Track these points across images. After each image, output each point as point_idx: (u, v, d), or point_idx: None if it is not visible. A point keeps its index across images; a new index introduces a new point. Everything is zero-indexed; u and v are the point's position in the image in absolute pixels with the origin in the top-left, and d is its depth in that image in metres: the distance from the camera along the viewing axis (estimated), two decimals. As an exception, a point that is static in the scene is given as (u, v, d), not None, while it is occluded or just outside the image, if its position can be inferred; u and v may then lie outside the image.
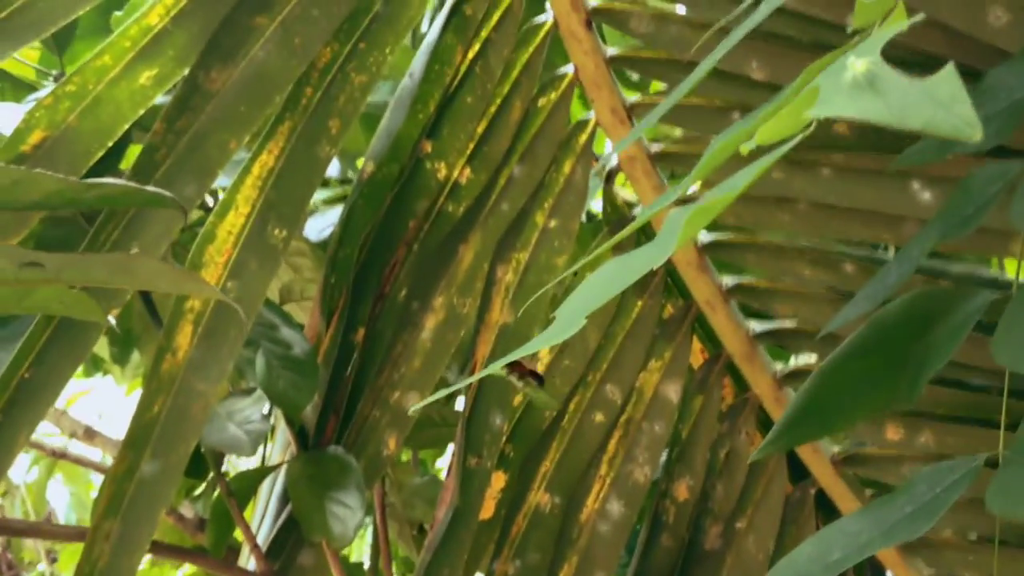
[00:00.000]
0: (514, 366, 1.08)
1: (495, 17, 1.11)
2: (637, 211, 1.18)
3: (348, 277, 1.14)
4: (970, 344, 0.89)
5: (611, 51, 1.08)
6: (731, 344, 1.15)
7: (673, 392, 1.18)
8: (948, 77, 0.32)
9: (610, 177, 1.18)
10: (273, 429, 1.32)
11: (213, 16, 0.98)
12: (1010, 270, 1.27)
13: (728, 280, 1.14)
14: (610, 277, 0.41)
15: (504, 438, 1.17)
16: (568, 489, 1.18)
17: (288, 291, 1.32)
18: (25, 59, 1.47)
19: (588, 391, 1.18)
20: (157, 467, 0.98)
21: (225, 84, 0.98)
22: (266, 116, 1.02)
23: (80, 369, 2.22)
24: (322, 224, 1.44)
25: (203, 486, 1.61)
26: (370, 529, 1.84)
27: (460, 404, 1.48)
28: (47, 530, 1.19)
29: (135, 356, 1.59)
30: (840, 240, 1.08)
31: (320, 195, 1.52)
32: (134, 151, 1.00)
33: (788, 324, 1.13)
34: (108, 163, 0.99)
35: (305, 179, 1.04)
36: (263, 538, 1.16)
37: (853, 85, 0.32)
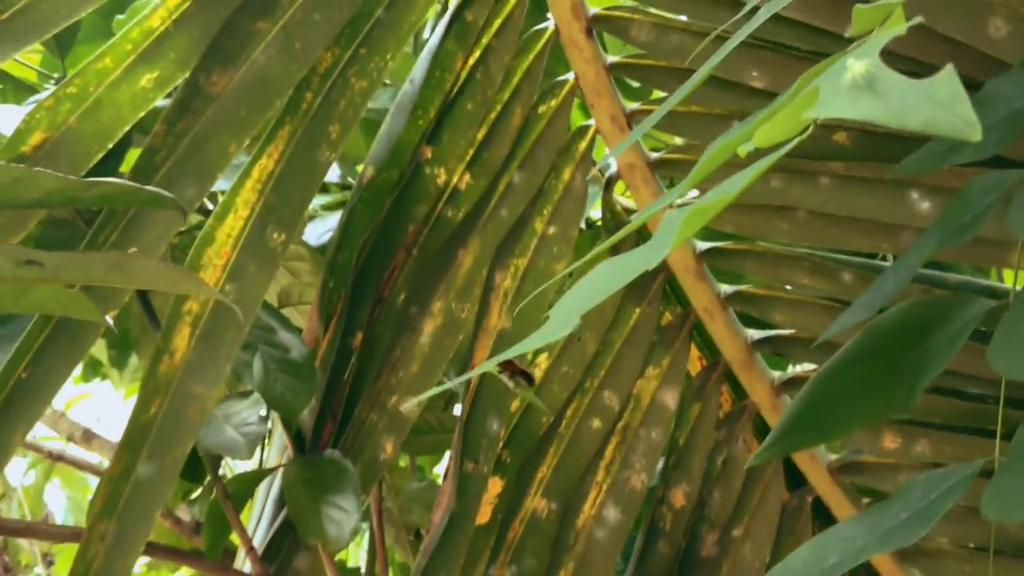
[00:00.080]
0: (506, 365, 1.08)
1: (496, 24, 1.12)
2: (631, 217, 1.18)
3: (347, 281, 1.15)
4: (967, 353, 0.89)
5: (611, 59, 1.09)
6: (729, 351, 1.15)
7: (671, 399, 1.18)
8: (947, 78, 0.32)
9: (609, 184, 1.18)
10: (270, 432, 1.32)
11: (214, 20, 0.98)
12: (1008, 281, 1.27)
13: (726, 288, 1.14)
14: (605, 277, 0.41)
15: (501, 443, 1.17)
16: (565, 495, 1.18)
17: (287, 295, 1.32)
18: (27, 62, 1.47)
19: (586, 397, 1.18)
20: (153, 469, 0.98)
21: (226, 87, 0.99)
22: (266, 120, 1.02)
23: (79, 373, 2.22)
24: (322, 229, 1.44)
25: (200, 489, 1.61)
26: (367, 534, 1.84)
27: (458, 410, 1.48)
28: (43, 530, 1.19)
29: (133, 360, 1.59)
30: (838, 249, 1.08)
31: (320, 200, 1.52)
32: (134, 155, 1.00)
33: (786, 332, 1.13)
34: (108, 165, 0.99)
35: (305, 183, 1.04)
36: (259, 541, 1.16)
37: (852, 86, 0.32)
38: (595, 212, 1.46)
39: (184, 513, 1.90)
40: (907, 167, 0.76)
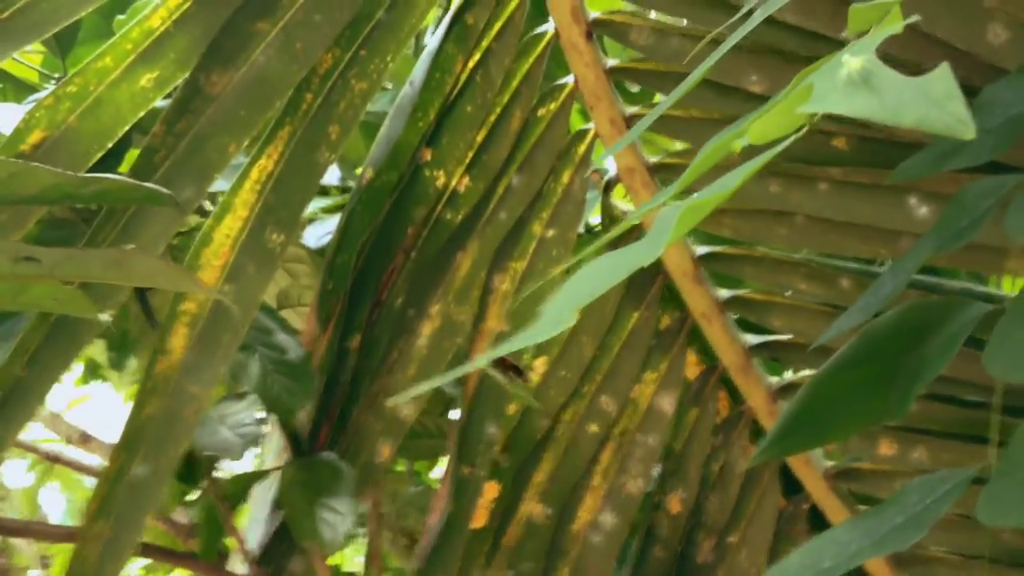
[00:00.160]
0: (497, 361, 1.08)
1: (496, 27, 1.12)
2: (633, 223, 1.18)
3: (345, 283, 1.14)
4: (964, 359, 0.89)
5: (611, 62, 1.09)
6: (726, 357, 1.15)
7: (668, 404, 1.18)
8: (942, 76, 0.32)
9: (608, 188, 1.18)
10: (268, 434, 1.32)
11: (215, 20, 0.98)
12: (1006, 288, 1.27)
13: (724, 293, 1.14)
14: (600, 273, 0.41)
15: (498, 448, 1.17)
16: (561, 500, 1.18)
17: (285, 297, 1.32)
18: (28, 62, 1.47)
19: (583, 402, 1.18)
20: (148, 469, 0.98)
21: (226, 88, 0.98)
22: (266, 120, 1.02)
23: (79, 375, 2.22)
24: (321, 231, 1.44)
25: (198, 492, 1.61)
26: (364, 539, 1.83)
27: (456, 415, 1.48)
28: (39, 530, 1.19)
29: (133, 362, 1.58)
30: (837, 254, 1.08)
31: (320, 203, 1.52)
32: (134, 155, 1.00)
33: (784, 337, 1.13)
34: (108, 165, 0.99)
35: (304, 184, 1.04)
36: (255, 543, 1.16)
37: (848, 82, 0.32)
38: (594, 218, 1.46)
39: (181, 516, 1.90)
40: (904, 172, 0.76)
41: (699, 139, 1.08)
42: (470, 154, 1.14)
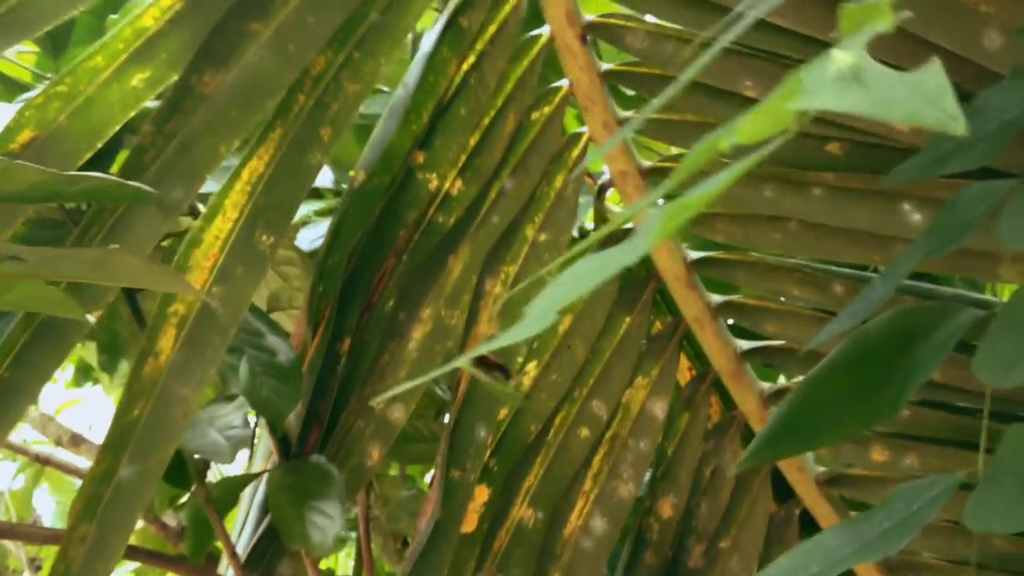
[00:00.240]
0: (480, 359, 1.08)
1: (491, 30, 1.11)
2: (628, 227, 1.17)
3: (336, 286, 1.14)
4: (956, 366, 0.89)
5: (605, 66, 1.08)
6: (719, 362, 1.14)
7: (659, 409, 1.17)
8: (934, 71, 0.32)
9: (601, 193, 1.17)
10: (257, 437, 1.32)
11: (207, 20, 0.98)
12: (1004, 295, 1.27)
13: (717, 298, 1.14)
14: (585, 273, 0.40)
15: (488, 451, 1.17)
16: (552, 504, 1.18)
17: (276, 299, 1.32)
18: (22, 62, 1.47)
19: (574, 406, 1.17)
20: (135, 471, 0.97)
21: (217, 88, 0.98)
22: (257, 122, 1.02)
23: (71, 378, 2.21)
24: (314, 235, 1.44)
25: (188, 495, 1.60)
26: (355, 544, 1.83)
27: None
28: (26, 532, 1.18)
29: (124, 365, 1.58)
30: (830, 260, 1.07)
31: (314, 206, 1.52)
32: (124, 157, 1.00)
33: (776, 343, 1.12)
34: (99, 166, 0.99)
35: (295, 186, 1.04)
36: (243, 547, 1.15)
37: (838, 78, 0.32)
38: (590, 224, 1.45)
39: (171, 519, 1.89)
40: (897, 176, 0.75)
41: (694, 144, 1.08)
42: (463, 157, 1.14)
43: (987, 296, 1.20)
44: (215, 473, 1.94)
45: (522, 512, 1.18)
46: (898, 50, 0.88)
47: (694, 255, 1.13)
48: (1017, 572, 1.01)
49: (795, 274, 1.08)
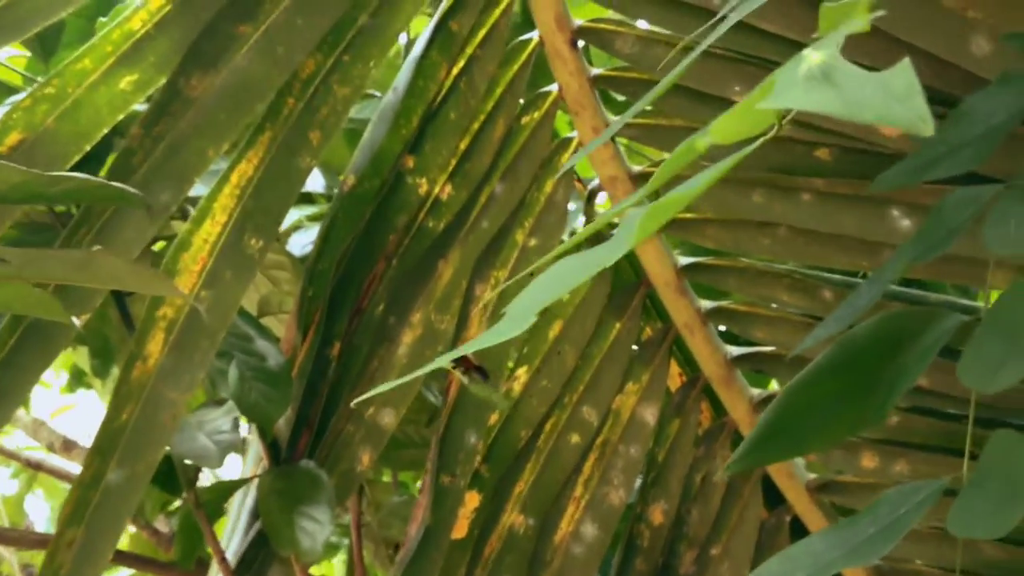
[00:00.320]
0: (461, 360, 1.07)
1: (481, 34, 1.11)
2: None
3: (326, 291, 1.14)
4: (945, 372, 0.89)
5: (595, 71, 1.08)
6: (709, 368, 1.14)
7: (650, 415, 1.17)
8: (903, 71, 0.31)
9: (591, 198, 1.17)
10: (247, 442, 1.31)
11: (196, 23, 0.98)
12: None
13: (707, 303, 1.13)
14: (564, 273, 0.40)
15: (479, 457, 1.16)
16: (542, 510, 1.17)
17: (266, 304, 1.31)
18: (13, 65, 1.47)
19: (565, 412, 1.17)
20: (124, 475, 0.97)
21: (205, 91, 0.98)
22: (246, 125, 1.01)
23: (64, 383, 2.20)
24: (306, 240, 1.44)
25: (179, 501, 1.60)
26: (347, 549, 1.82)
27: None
28: (13, 537, 1.18)
29: (116, 370, 1.57)
30: (820, 266, 1.07)
31: (306, 211, 1.52)
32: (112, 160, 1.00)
33: (766, 349, 1.12)
34: (87, 169, 0.99)
35: (284, 190, 1.04)
36: (233, 552, 1.15)
37: (808, 77, 0.32)
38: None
39: (163, 525, 1.89)
40: (883, 182, 0.75)
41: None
42: (453, 162, 1.14)
43: (979, 303, 1.20)
44: (209, 478, 1.93)
45: (513, 518, 1.17)
46: (886, 55, 0.88)
47: (684, 261, 1.13)
48: (1006, 579, 1.01)
49: (785, 280, 1.07)
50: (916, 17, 0.87)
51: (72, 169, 0.94)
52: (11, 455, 2.18)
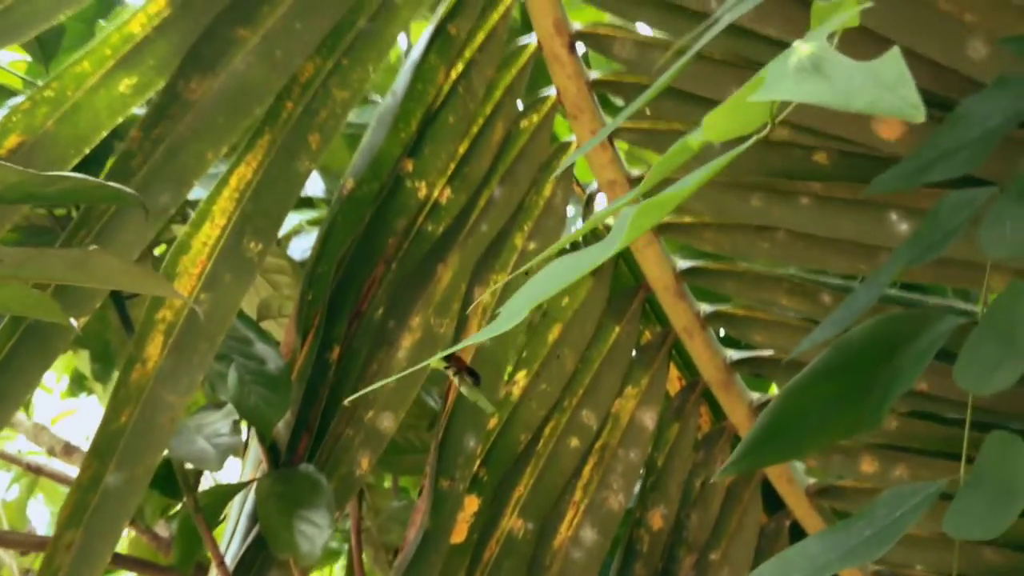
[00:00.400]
0: (452, 360, 1.07)
1: (479, 38, 1.11)
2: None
3: (325, 294, 1.14)
4: (943, 377, 0.89)
5: (594, 75, 1.08)
6: (708, 372, 1.14)
7: (649, 419, 1.17)
8: (892, 60, 0.31)
9: (590, 201, 1.17)
10: (247, 446, 1.31)
11: (195, 26, 0.98)
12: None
13: (706, 307, 1.13)
14: (558, 272, 0.40)
15: (478, 461, 1.16)
16: (542, 515, 1.17)
17: (266, 307, 1.31)
18: (13, 69, 1.47)
19: (564, 416, 1.17)
20: (122, 478, 0.97)
21: (204, 94, 0.98)
22: (245, 128, 1.02)
23: (65, 388, 2.19)
24: (306, 244, 1.44)
25: (179, 505, 1.60)
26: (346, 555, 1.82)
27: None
28: (11, 540, 1.17)
29: (117, 375, 1.57)
30: (818, 270, 1.07)
31: (306, 215, 1.52)
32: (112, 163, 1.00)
33: (765, 353, 1.12)
34: (87, 171, 0.98)
35: (283, 193, 1.04)
36: (232, 556, 1.15)
37: (799, 68, 0.32)
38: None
39: (163, 529, 1.88)
40: (880, 185, 0.75)
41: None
42: (452, 165, 1.14)
43: (976, 306, 1.20)
44: (211, 482, 1.93)
45: (512, 522, 1.17)
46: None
47: (683, 265, 1.13)
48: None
49: (784, 284, 1.08)
50: (913, 21, 0.87)
51: (71, 172, 0.94)
52: (12, 459, 2.18)
